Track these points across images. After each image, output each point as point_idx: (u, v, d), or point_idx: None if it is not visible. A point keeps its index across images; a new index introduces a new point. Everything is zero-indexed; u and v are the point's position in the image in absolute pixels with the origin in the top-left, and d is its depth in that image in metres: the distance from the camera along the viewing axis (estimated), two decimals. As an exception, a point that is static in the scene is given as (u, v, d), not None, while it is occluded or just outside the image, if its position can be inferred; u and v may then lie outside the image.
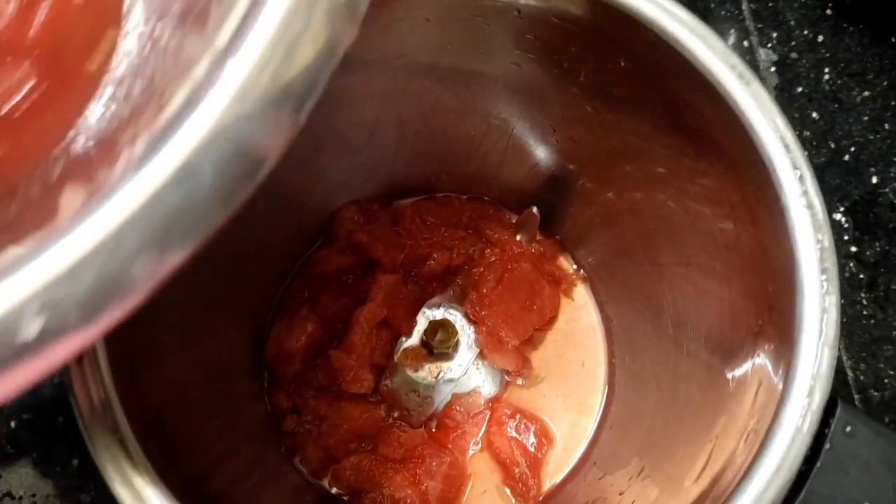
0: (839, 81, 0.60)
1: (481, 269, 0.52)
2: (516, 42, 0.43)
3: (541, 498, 0.50)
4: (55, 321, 0.19)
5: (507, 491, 0.51)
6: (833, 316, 0.33)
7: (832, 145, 0.59)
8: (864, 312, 0.56)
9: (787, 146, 0.34)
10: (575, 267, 0.57)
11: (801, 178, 0.34)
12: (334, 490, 0.50)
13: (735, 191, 0.39)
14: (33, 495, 0.56)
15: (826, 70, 0.61)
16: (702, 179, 0.41)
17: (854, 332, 0.55)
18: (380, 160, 0.54)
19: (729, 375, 0.41)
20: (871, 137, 0.59)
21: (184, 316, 0.43)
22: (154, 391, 0.37)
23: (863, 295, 0.56)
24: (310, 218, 0.56)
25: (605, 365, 0.54)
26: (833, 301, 0.33)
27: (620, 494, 0.45)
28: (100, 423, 0.32)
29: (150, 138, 0.20)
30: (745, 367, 0.39)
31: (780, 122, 0.34)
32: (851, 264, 0.57)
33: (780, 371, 0.34)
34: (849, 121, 0.59)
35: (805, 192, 0.34)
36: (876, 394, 0.54)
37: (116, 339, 0.34)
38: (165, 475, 0.32)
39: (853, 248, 0.57)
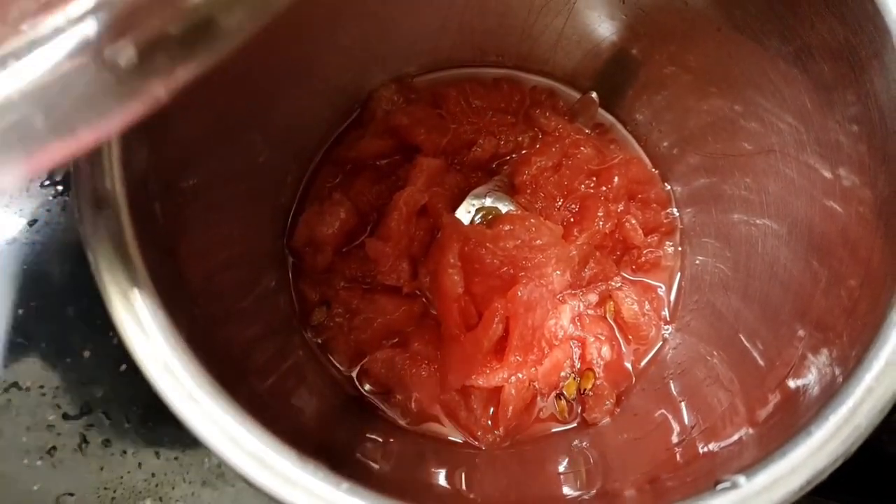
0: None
1: (537, 156, 0.47)
2: None
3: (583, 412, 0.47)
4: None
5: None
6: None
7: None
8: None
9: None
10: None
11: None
12: (366, 387, 0.46)
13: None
14: (41, 386, 0.53)
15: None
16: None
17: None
18: (423, 34, 0.49)
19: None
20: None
21: (209, 189, 0.39)
22: (184, 271, 0.33)
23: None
24: (343, 97, 0.51)
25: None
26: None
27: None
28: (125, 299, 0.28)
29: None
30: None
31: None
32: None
33: None
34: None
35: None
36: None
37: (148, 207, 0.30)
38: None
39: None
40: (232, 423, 0.26)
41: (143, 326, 0.27)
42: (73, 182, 0.28)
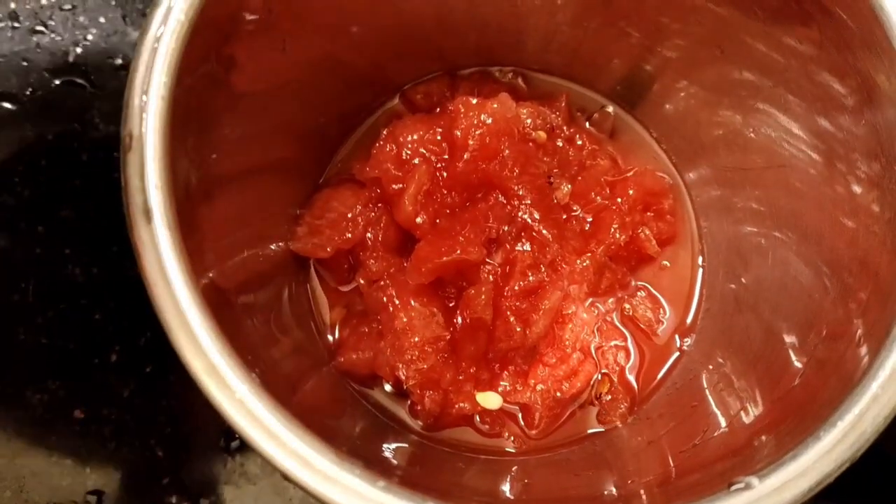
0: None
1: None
2: None
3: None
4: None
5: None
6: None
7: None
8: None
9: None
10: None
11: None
12: (387, 388, 0.48)
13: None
14: (69, 388, 0.55)
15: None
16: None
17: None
18: (444, 47, 0.50)
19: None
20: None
21: (241, 186, 0.40)
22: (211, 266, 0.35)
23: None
24: (361, 100, 0.52)
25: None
26: None
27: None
28: (168, 294, 0.29)
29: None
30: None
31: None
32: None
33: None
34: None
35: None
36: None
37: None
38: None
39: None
40: (275, 422, 0.28)
41: (191, 332, 0.28)
42: (123, 195, 0.29)
